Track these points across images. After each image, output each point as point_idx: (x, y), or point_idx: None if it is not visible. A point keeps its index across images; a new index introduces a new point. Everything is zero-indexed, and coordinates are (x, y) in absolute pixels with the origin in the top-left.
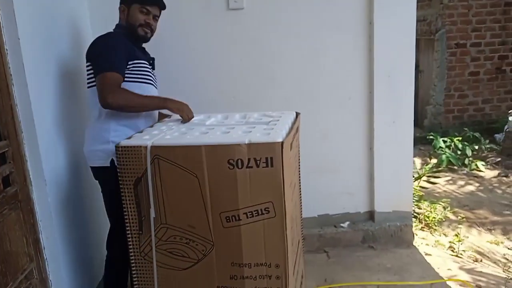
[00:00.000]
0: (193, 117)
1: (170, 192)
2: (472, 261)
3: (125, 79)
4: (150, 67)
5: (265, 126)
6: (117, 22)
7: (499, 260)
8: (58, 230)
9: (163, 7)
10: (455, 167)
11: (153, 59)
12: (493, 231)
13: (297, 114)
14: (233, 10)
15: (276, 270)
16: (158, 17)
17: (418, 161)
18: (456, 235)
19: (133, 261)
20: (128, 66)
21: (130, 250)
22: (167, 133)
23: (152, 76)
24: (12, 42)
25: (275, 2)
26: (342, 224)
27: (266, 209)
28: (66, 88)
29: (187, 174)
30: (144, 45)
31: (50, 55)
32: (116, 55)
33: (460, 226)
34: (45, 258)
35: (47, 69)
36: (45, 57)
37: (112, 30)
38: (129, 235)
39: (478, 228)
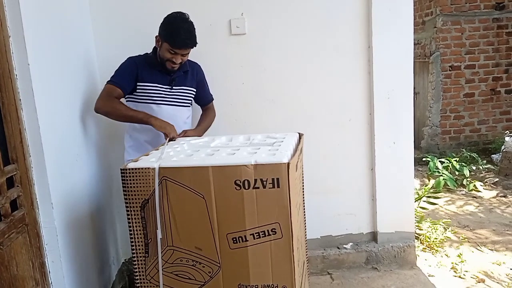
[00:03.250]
0: (176, 136)
1: (177, 213)
2: (476, 282)
3: (134, 99)
4: (167, 87)
5: (269, 147)
6: (121, 49)
7: (502, 281)
8: (64, 254)
9: (192, 46)
10: (453, 188)
11: (188, 72)
12: (494, 251)
13: (300, 135)
14: (235, 36)
15: None
16: (189, 52)
17: (416, 182)
18: (459, 255)
19: (138, 284)
20: (137, 88)
21: (136, 273)
22: (174, 155)
23: (168, 96)
24: (21, 67)
25: (276, 28)
26: (345, 245)
27: (273, 230)
28: (74, 113)
29: (194, 195)
30: None
31: (58, 80)
32: (123, 73)
33: (461, 245)
34: (50, 282)
35: (56, 94)
36: (54, 82)
37: (148, 53)
38: (135, 258)
39: (479, 248)
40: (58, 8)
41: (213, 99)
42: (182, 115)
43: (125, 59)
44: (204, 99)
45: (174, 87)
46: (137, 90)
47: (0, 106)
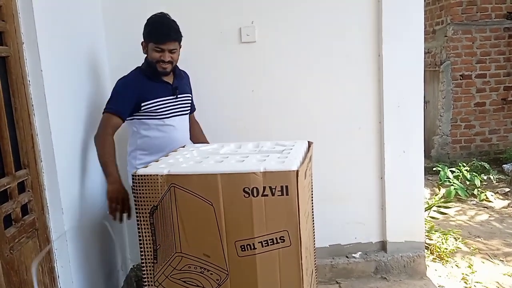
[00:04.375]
0: (119, 208)
1: (185, 220)
2: None
3: (144, 118)
4: (171, 97)
5: (279, 155)
6: (132, 57)
7: None
8: (73, 259)
9: (175, 39)
10: (464, 198)
11: (184, 79)
12: (506, 262)
13: (310, 143)
14: (245, 43)
15: None
16: (177, 48)
17: (427, 192)
18: (469, 266)
19: None
20: (143, 108)
21: (144, 280)
22: (183, 162)
23: (175, 107)
24: (35, 74)
25: (286, 36)
26: (354, 255)
27: (281, 238)
28: (86, 119)
29: (202, 202)
30: None
31: (70, 87)
32: (119, 99)
33: (472, 256)
34: (59, 287)
35: (68, 100)
36: (66, 89)
37: (140, 65)
38: (144, 264)
39: (491, 259)
40: (71, 15)
41: (194, 110)
42: (187, 123)
43: (120, 81)
44: (192, 107)
45: (178, 96)
46: (145, 110)
47: (13, 112)
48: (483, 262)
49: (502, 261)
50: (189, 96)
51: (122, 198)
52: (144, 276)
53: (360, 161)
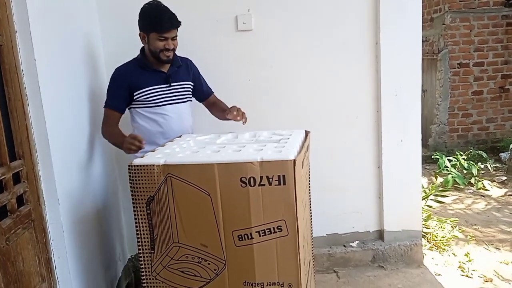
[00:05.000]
0: (139, 145)
1: (182, 210)
2: (483, 281)
3: (138, 107)
4: (164, 86)
5: (276, 145)
6: (127, 45)
7: (510, 280)
8: (70, 249)
9: (177, 26)
10: (462, 187)
11: (182, 66)
12: (502, 250)
13: (307, 132)
14: (242, 32)
15: None
16: (177, 35)
17: (424, 180)
18: (466, 254)
19: (144, 281)
20: (136, 97)
21: (142, 270)
22: (180, 152)
23: (169, 95)
24: (28, 63)
25: (283, 24)
26: (351, 244)
27: (279, 227)
28: (81, 109)
29: (199, 192)
30: None
31: (65, 76)
32: (114, 93)
33: (468, 244)
34: (56, 278)
35: (63, 90)
36: (60, 78)
37: (135, 57)
38: (141, 255)
39: (487, 247)
40: (64, 3)
41: (213, 92)
42: (186, 111)
43: (112, 76)
44: (205, 92)
45: (172, 84)
46: (138, 99)
47: (6, 102)
48: (480, 251)
49: (499, 249)
50: (187, 84)
51: (135, 140)
52: (141, 266)
53: (358, 150)
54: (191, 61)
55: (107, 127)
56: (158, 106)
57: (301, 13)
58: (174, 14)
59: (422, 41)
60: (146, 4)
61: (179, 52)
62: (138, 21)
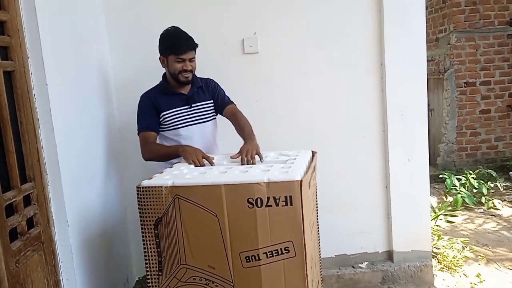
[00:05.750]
0: (201, 161)
1: (190, 231)
2: None
3: (162, 130)
4: (185, 107)
5: (282, 165)
6: (136, 68)
7: None
8: (79, 271)
9: (193, 48)
10: (472, 206)
11: (202, 86)
12: None
13: (314, 153)
14: (248, 54)
15: None
16: (194, 57)
17: (433, 200)
18: (477, 275)
19: None
20: (161, 119)
21: None
22: (187, 173)
23: (190, 116)
24: (40, 87)
25: (288, 46)
26: (360, 265)
27: (286, 248)
28: (90, 132)
29: (207, 213)
30: None
31: (76, 101)
32: (145, 116)
33: (479, 264)
34: None
35: (73, 114)
36: (71, 102)
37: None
38: (149, 277)
39: (499, 268)
40: (76, 30)
41: (233, 103)
42: (209, 131)
43: (139, 103)
44: (223, 103)
45: (193, 105)
46: (162, 122)
47: (18, 126)
48: (492, 271)
49: (511, 269)
50: (208, 103)
51: (195, 151)
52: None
53: (365, 170)
54: (211, 79)
55: (149, 147)
56: (180, 127)
57: (306, 35)
58: (191, 37)
59: (428, 61)
60: (165, 29)
61: None
62: (158, 45)
